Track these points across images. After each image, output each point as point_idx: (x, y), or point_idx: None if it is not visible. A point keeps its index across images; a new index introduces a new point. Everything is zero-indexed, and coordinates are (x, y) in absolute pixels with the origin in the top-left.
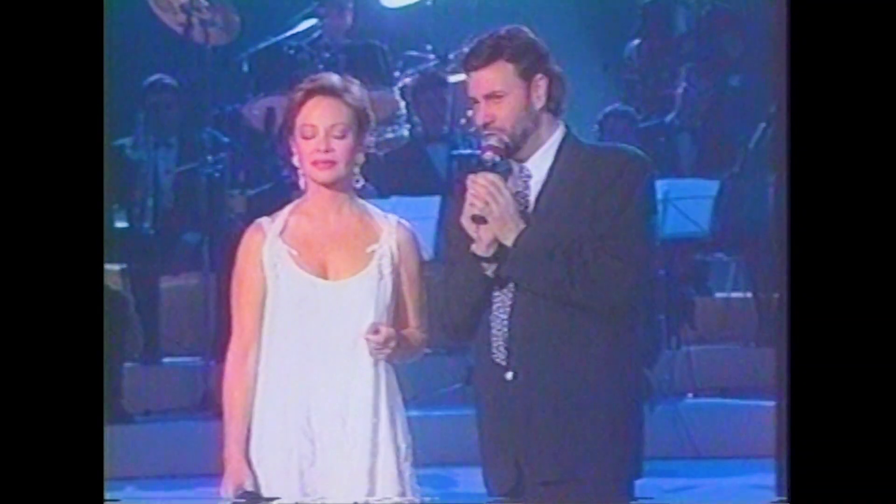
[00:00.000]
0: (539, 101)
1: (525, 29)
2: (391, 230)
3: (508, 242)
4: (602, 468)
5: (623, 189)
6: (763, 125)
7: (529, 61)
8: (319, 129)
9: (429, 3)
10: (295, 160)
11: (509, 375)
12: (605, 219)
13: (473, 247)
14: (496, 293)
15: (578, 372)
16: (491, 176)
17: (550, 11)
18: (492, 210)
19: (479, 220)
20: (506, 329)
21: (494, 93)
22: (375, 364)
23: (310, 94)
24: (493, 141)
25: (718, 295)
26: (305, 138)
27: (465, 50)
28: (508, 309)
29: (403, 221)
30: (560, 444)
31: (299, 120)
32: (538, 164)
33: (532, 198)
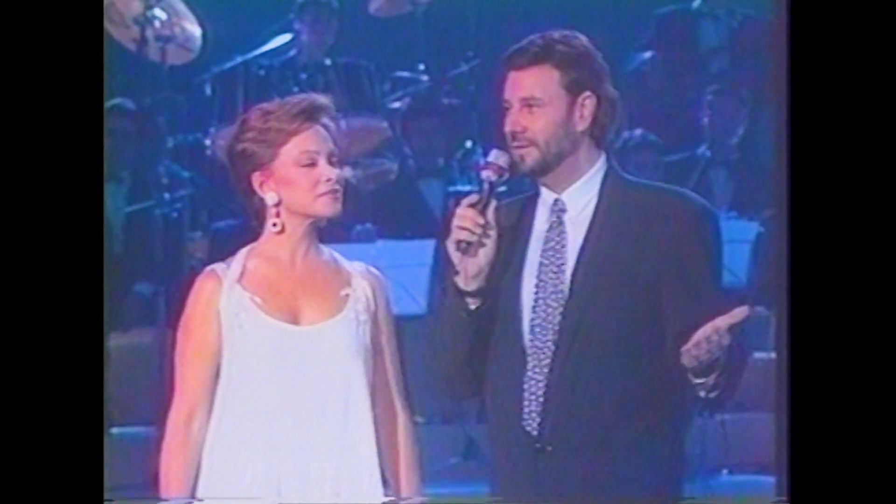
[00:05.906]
0: (582, 122)
1: (583, 37)
2: (363, 274)
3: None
4: None
5: (695, 246)
6: None
7: (580, 74)
8: (321, 156)
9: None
10: (270, 197)
11: (547, 447)
12: (676, 275)
13: (457, 279)
14: (531, 349)
15: (621, 447)
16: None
17: (558, 23)
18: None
19: (463, 247)
20: (541, 395)
21: (532, 98)
22: (366, 411)
23: (305, 117)
24: (500, 159)
25: (758, 355)
26: (305, 166)
27: (511, 49)
28: (546, 370)
29: (372, 268)
30: None
31: (292, 147)
32: (575, 198)
33: (568, 235)
